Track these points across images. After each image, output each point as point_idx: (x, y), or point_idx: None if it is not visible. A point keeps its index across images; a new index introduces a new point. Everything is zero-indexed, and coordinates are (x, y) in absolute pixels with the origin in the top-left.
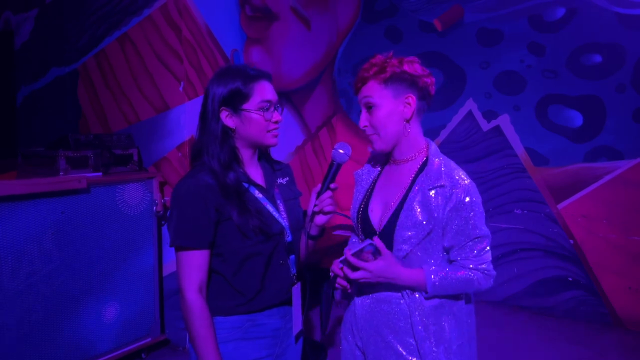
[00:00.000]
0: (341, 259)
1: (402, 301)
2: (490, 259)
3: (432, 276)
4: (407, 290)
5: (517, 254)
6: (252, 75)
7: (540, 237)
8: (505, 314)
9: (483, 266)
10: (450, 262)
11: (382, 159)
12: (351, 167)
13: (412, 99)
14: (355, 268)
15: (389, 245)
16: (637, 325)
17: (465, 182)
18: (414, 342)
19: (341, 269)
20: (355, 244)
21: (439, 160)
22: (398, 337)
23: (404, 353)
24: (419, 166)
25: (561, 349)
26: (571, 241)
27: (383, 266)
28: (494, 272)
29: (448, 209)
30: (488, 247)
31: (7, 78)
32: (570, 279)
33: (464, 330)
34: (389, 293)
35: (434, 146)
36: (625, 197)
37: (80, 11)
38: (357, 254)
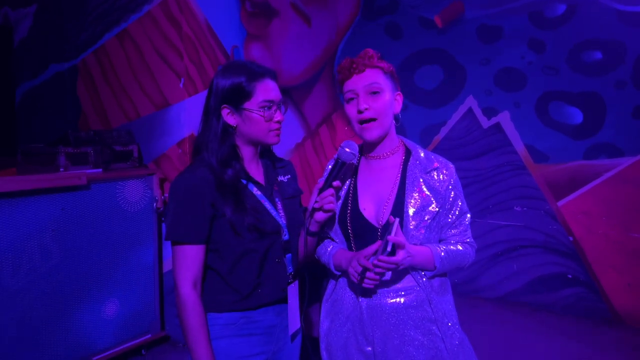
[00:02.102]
0: (378, 254)
1: (417, 288)
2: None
3: (438, 248)
4: (418, 275)
5: (517, 250)
6: (256, 73)
7: (540, 234)
8: (504, 310)
9: (471, 240)
10: (440, 240)
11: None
12: None
13: (400, 96)
14: (392, 254)
15: None
16: (636, 321)
17: (451, 163)
18: (433, 327)
19: (378, 260)
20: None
21: (422, 150)
22: (417, 327)
23: (426, 341)
24: (402, 158)
25: (560, 345)
26: (571, 238)
27: (409, 247)
28: (475, 245)
29: (447, 185)
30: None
31: (6, 75)
32: (569, 276)
33: (454, 304)
34: (398, 286)
35: (409, 140)
36: (625, 195)
37: (80, 9)
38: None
